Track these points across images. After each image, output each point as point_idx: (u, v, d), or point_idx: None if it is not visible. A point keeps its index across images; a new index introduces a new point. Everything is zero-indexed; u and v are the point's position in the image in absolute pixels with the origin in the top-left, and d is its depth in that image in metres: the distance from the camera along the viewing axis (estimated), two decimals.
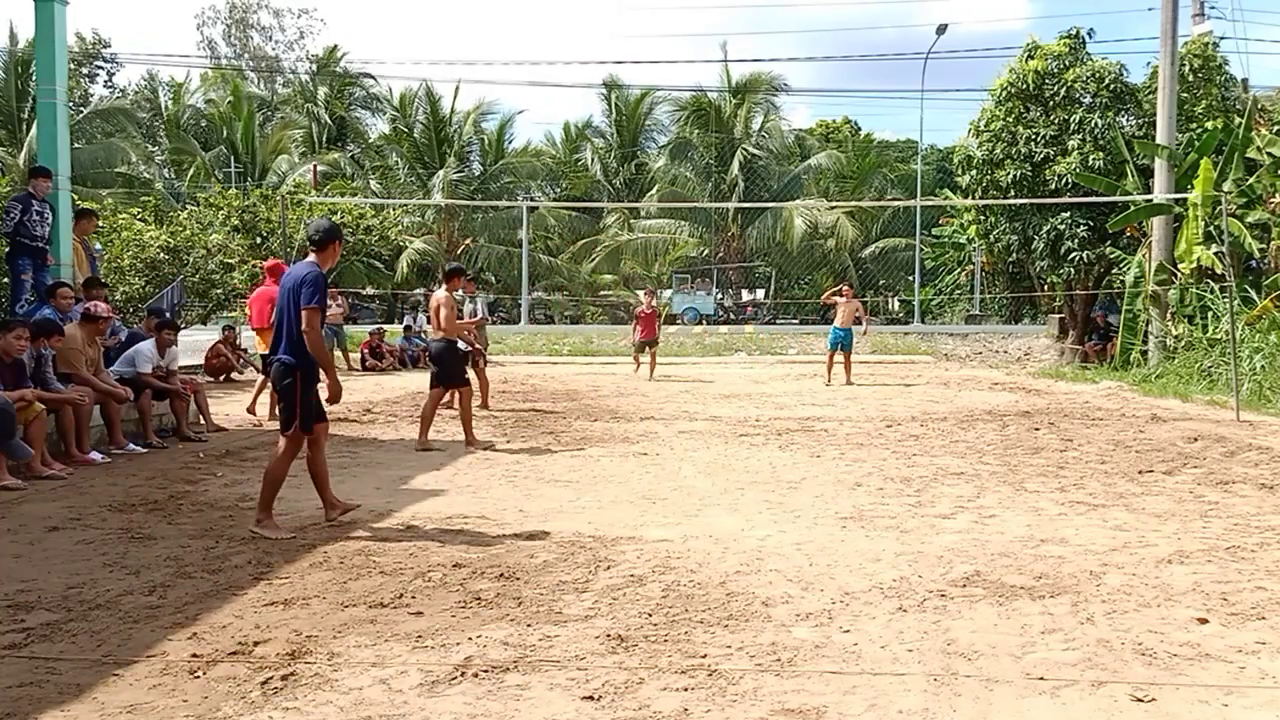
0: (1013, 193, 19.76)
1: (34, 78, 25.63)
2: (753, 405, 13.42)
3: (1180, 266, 16.99)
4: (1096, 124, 19.25)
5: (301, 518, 6.22)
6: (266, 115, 46.61)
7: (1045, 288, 23.58)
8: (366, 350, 19.97)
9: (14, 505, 6.63)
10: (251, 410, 11.58)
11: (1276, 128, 17.92)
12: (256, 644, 3.98)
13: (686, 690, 3.53)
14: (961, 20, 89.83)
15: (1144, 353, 17.76)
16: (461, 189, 39.20)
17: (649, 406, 13.20)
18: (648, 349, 17.96)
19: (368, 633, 4.13)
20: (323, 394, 6.04)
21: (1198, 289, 16.86)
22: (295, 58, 52.06)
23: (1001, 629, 4.21)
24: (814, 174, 40.99)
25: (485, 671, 3.70)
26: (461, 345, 9.69)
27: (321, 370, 6.01)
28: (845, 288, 18.12)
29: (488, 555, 5.37)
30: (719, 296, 39.24)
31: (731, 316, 38.09)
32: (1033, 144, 19.67)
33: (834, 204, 38.31)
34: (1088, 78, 19.69)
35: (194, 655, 3.86)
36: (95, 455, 8.42)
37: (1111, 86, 19.64)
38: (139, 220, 20.33)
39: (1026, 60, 20.14)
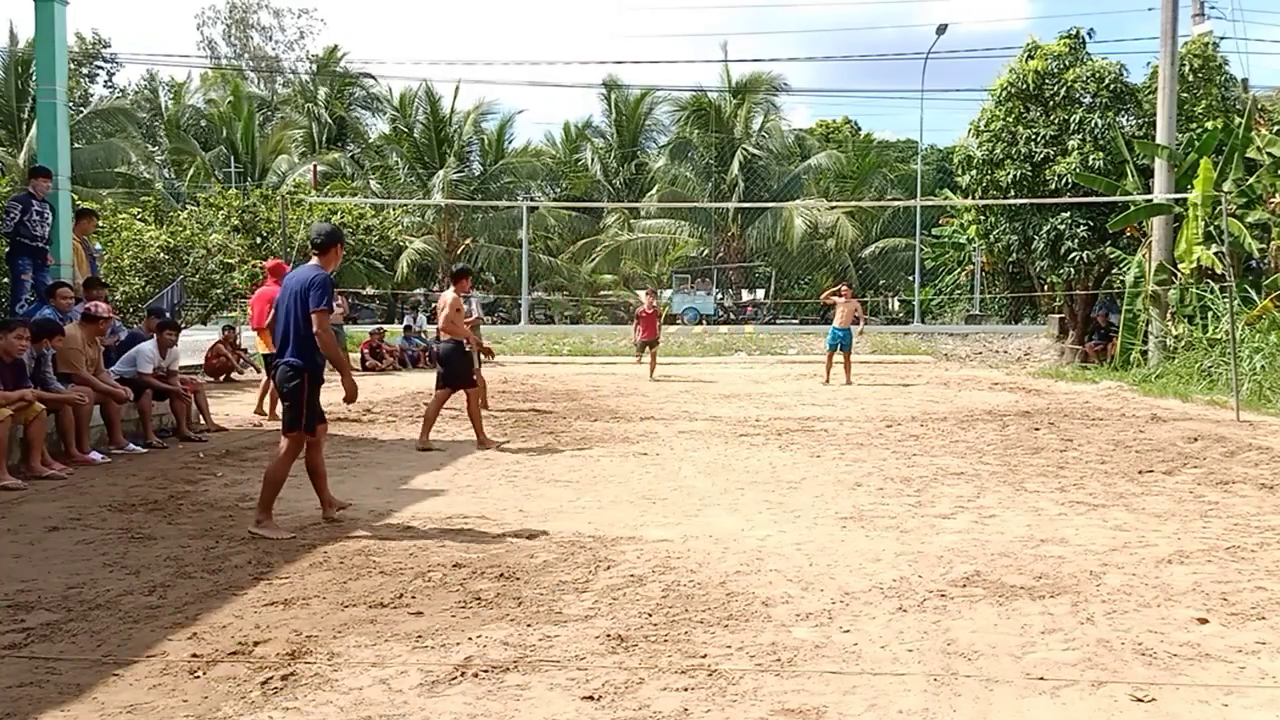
0: (1013, 193, 19.76)
1: (34, 78, 25.63)
2: (753, 405, 13.42)
3: (1180, 266, 16.99)
4: (1096, 124, 19.25)
5: (301, 518, 6.22)
6: (266, 115, 46.64)
7: (1045, 288, 23.58)
8: (366, 350, 19.98)
9: (14, 505, 6.63)
10: (260, 410, 11.59)
11: (1276, 128, 17.92)
12: (256, 644, 3.98)
13: (686, 690, 3.53)
14: (961, 20, 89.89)
15: (1144, 353, 17.76)
16: (461, 189, 39.21)
17: (649, 406, 13.20)
18: (648, 349, 17.97)
19: (368, 633, 4.12)
20: (321, 394, 6.06)
21: (1198, 289, 16.86)
22: (295, 58, 52.13)
23: (1001, 629, 4.21)
24: (814, 174, 41.00)
25: (485, 671, 3.70)
26: (467, 347, 9.66)
27: (337, 370, 6.11)
28: (844, 288, 18.13)
29: (488, 555, 5.37)
30: (719, 296, 39.24)
31: (731, 316, 38.10)
32: (1033, 144, 19.67)
33: (834, 204, 38.31)
34: (1088, 78, 19.69)
35: (194, 655, 3.86)
36: (95, 455, 8.42)
37: (1111, 86, 19.64)
38: (139, 220, 20.35)
39: (1026, 60, 20.14)
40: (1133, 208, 17.84)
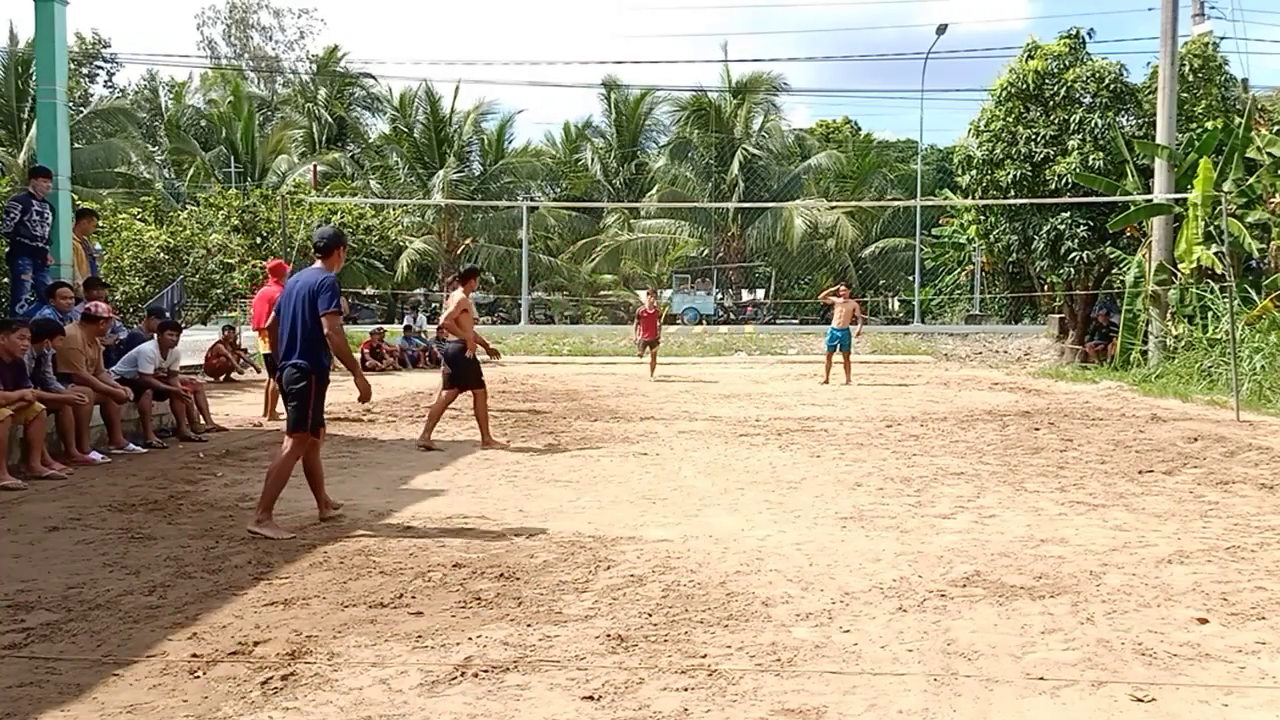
0: (1013, 193, 19.76)
1: (34, 78, 25.62)
2: (753, 405, 13.42)
3: (1180, 266, 16.99)
4: (1096, 124, 19.25)
5: (301, 518, 6.22)
6: (266, 115, 46.64)
7: (1045, 288, 23.57)
8: (366, 350, 19.97)
9: (14, 505, 6.63)
10: (272, 414, 11.37)
11: (1276, 128, 17.92)
12: (256, 644, 3.98)
13: (686, 690, 3.53)
14: (961, 20, 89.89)
15: (1144, 353, 17.76)
16: (461, 189, 39.22)
17: (649, 406, 13.20)
18: (649, 349, 17.98)
19: (368, 633, 4.12)
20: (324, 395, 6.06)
21: (1198, 289, 16.86)
22: (295, 58, 52.09)
23: (1001, 629, 4.21)
24: (814, 174, 41.01)
25: (485, 671, 3.70)
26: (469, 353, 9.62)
27: (349, 371, 6.17)
28: (842, 288, 18.13)
29: (488, 555, 5.37)
30: (719, 296, 39.25)
31: (731, 316, 38.11)
32: (1033, 144, 19.67)
33: (834, 204, 38.32)
34: (1088, 78, 19.68)
35: (194, 655, 3.86)
36: (95, 455, 8.42)
37: (1111, 86, 19.64)
38: (139, 220, 20.34)
39: (1026, 60, 20.14)
40: (1133, 208, 17.84)
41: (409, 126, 41.49)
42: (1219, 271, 15.88)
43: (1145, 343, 17.82)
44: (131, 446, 8.99)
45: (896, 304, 40.83)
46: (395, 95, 42.62)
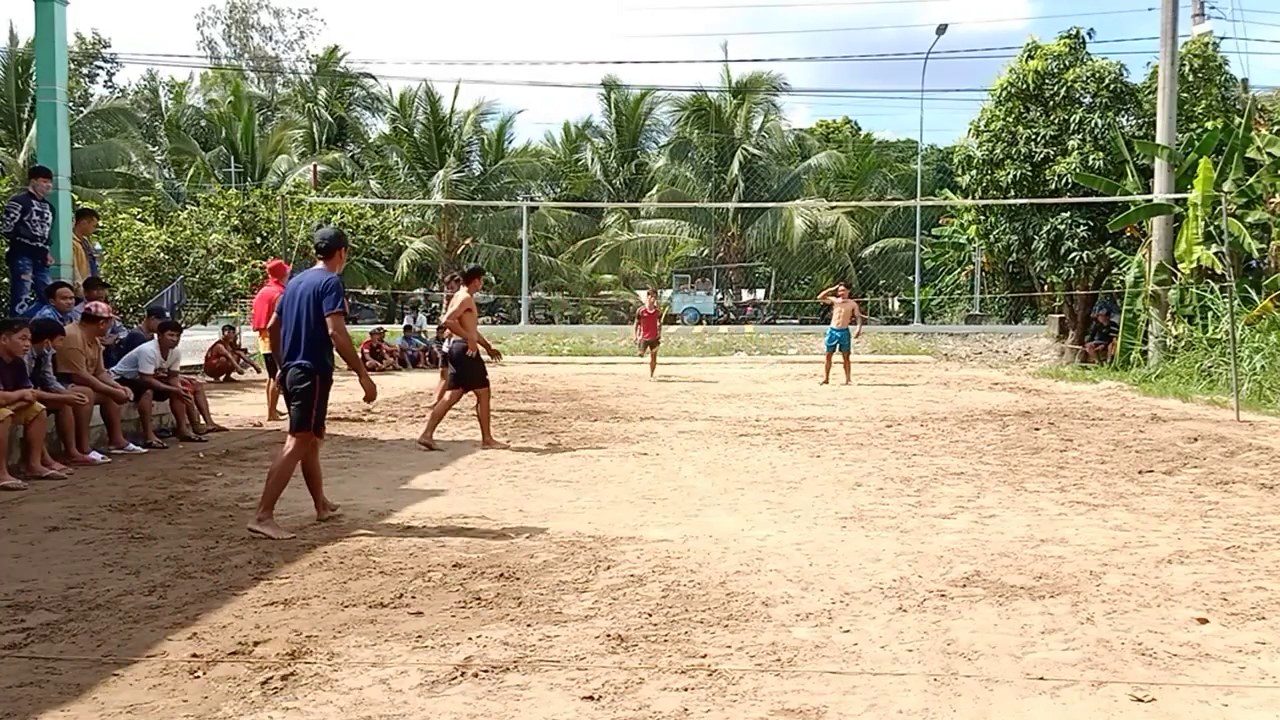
0: (1013, 193, 19.76)
1: (34, 78, 25.62)
2: (753, 405, 13.42)
3: (1180, 266, 16.99)
4: (1096, 124, 19.25)
5: (301, 518, 6.22)
6: (266, 115, 46.64)
7: (1045, 288, 23.57)
8: (366, 350, 19.95)
9: (14, 505, 6.63)
10: (273, 415, 11.36)
11: (1276, 128, 17.92)
12: (256, 644, 3.98)
13: (686, 690, 3.53)
14: (961, 20, 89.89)
15: (1144, 353, 17.76)
16: (461, 189, 39.23)
17: (649, 406, 13.20)
18: (649, 349, 17.98)
19: (368, 633, 4.12)
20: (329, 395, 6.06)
21: (1198, 289, 16.86)
22: (295, 58, 52.08)
23: (1001, 629, 4.21)
24: (814, 174, 41.01)
25: (485, 671, 3.70)
26: (470, 353, 9.63)
27: (354, 371, 6.20)
28: (841, 288, 18.13)
29: (488, 555, 5.37)
30: (719, 296, 39.25)
31: (731, 316, 38.11)
32: (1033, 144, 19.67)
33: (834, 204, 38.32)
34: (1088, 78, 19.68)
35: (194, 655, 3.86)
36: (95, 455, 8.42)
37: (1111, 86, 19.64)
38: (139, 220, 20.32)
39: (1026, 60, 20.13)
40: (1133, 208, 17.84)
41: (409, 126, 41.50)
42: (1219, 271, 15.88)
43: (1145, 343, 17.82)
44: (131, 446, 8.99)
45: (896, 304, 40.83)
46: (395, 95, 42.68)
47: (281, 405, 9.59)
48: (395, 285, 36.61)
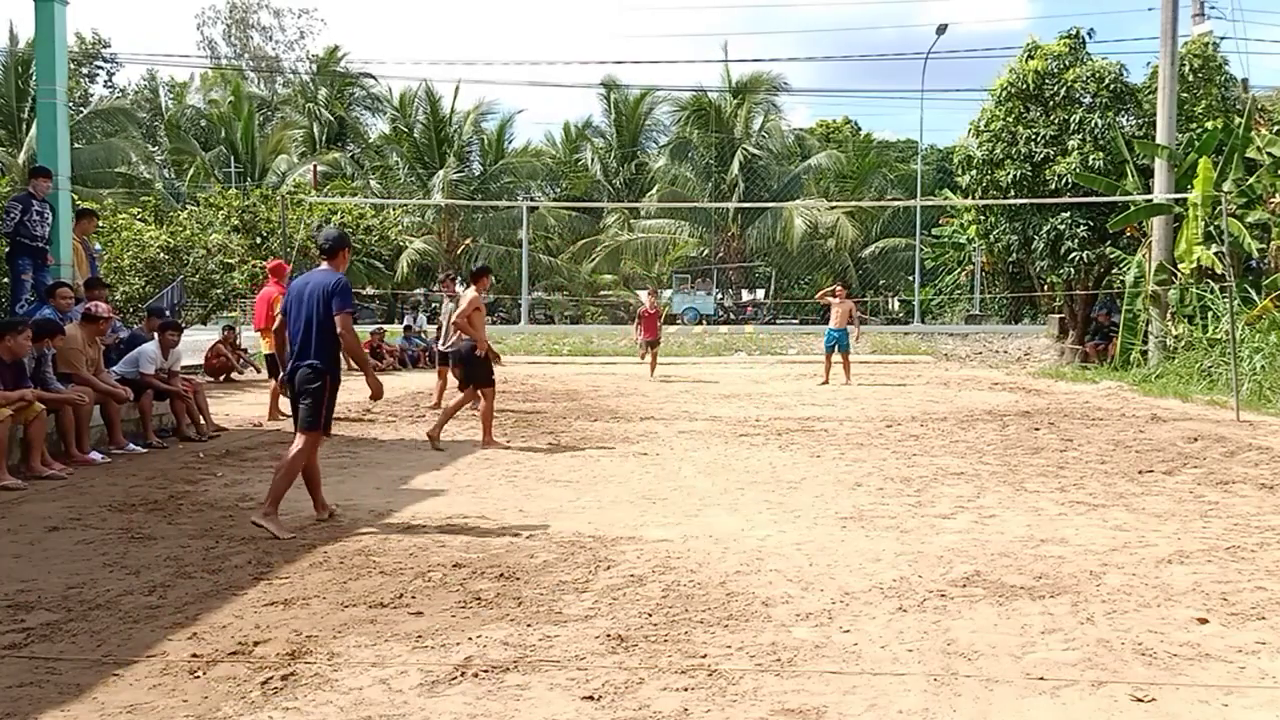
0: (1013, 193, 19.75)
1: (34, 78, 25.62)
2: (753, 405, 13.42)
3: (1180, 266, 16.99)
4: (1096, 124, 19.24)
5: (301, 518, 6.22)
6: (266, 115, 46.65)
7: (1045, 288, 23.57)
8: (367, 350, 19.96)
9: (14, 505, 6.63)
10: (276, 415, 11.37)
11: (1276, 128, 17.92)
12: (256, 644, 3.98)
13: (686, 690, 3.53)
14: (961, 20, 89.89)
15: (1144, 353, 17.75)
16: (461, 189, 39.23)
17: (649, 406, 13.20)
18: (649, 349, 17.98)
19: (368, 633, 4.13)
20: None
21: (1198, 289, 16.85)
22: (295, 58, 52.08)
23: (1001, 629, 4.21)
24: (814, 174, 41.02)
25: (485, 671, 3.70)
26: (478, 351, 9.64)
27: (361, 370, 6.26)
28: (838, 288, 18.13)
29: (488, 555, 5.37)
30: (719, 296, 39.25)
31: (731, 316, 38.11)
32: (1033, 144, 19.66)
33: (834, 204, 38.33)
34: (1088, 78, 19.68)
35: (194, 655, 3.86)
36: (95, 455, 8.42)
37: (1111, 86, 19.63)
38: (139, 220, 20.33)
39: (1026, 60, 20.13)
40: (1133, 208, 17.84)
41: (409, 126, 41.51)
42: (1219, 271, 15.87)
43: (1145, 343, 17.81)
44: (131, 446, 8.99)
45: (896, 304, 40.83)
46: (395, 95, 42.71)
47: (283, 405, 9.63)
48: (395, 285, 36.61)
